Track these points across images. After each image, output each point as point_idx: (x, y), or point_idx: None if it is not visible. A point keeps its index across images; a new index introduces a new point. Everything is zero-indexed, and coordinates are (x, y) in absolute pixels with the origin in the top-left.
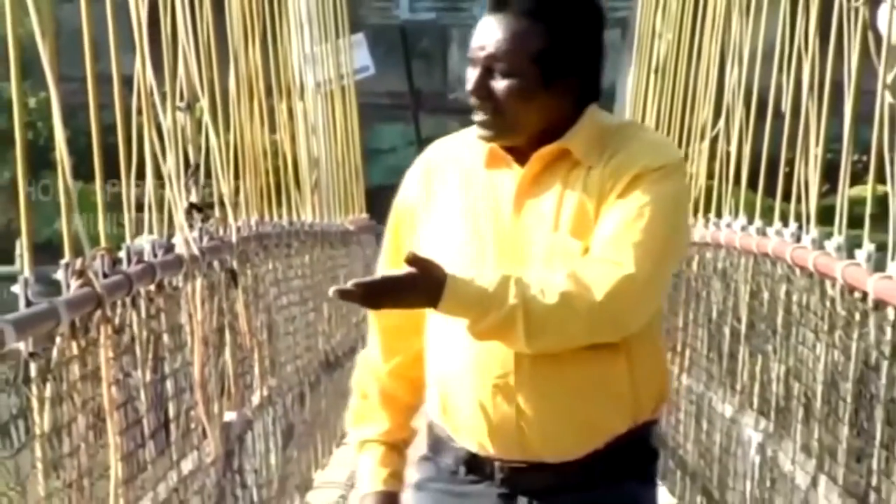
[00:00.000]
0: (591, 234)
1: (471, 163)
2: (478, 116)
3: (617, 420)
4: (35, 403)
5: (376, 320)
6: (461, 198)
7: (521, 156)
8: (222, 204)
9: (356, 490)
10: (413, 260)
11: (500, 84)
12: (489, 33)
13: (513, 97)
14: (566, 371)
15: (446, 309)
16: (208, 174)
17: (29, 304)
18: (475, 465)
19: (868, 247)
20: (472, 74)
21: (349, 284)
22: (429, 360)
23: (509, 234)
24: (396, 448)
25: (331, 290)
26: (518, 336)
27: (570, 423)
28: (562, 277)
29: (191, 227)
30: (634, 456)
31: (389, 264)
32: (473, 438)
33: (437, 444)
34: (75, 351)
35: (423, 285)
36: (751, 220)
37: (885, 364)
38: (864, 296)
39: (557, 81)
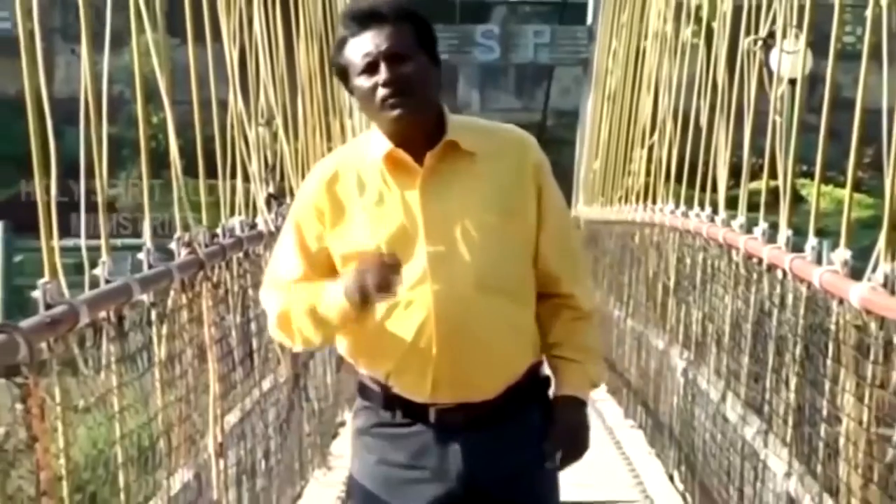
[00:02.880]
0: (497, 208)
1: (372, 168)
2: (393, 101)
3: (526, 360)
4: (155, 339)
5: (299, 270)
6: (371, 200)
7: (417, 157)
8: (292, 194)
9: None
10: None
11: (406, 69)
12: (378, 39)
13: (419, 74)
14: (488, 325)
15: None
16: (282, 173)
17: (150, 266)
18: (410, 410)
19: (763, 225)
20: (382, 72)
21: None
22: (376, 336)
23: (427, 222)
24: None
25: None
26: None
27: (492, 365)
28: (588, 325)
29: (269, 210)
30: (535, 386)
31: (299, 255)
32: (411, 390)
33: (373, 396)
34: (184, 301)
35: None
36: (677, 206)
37: (775, 311)
38: (760, 261)
39: (436, 65)
